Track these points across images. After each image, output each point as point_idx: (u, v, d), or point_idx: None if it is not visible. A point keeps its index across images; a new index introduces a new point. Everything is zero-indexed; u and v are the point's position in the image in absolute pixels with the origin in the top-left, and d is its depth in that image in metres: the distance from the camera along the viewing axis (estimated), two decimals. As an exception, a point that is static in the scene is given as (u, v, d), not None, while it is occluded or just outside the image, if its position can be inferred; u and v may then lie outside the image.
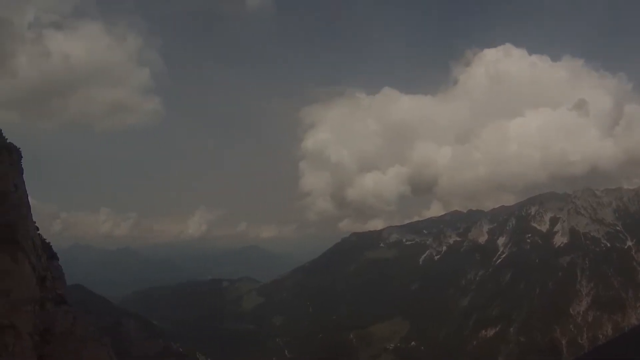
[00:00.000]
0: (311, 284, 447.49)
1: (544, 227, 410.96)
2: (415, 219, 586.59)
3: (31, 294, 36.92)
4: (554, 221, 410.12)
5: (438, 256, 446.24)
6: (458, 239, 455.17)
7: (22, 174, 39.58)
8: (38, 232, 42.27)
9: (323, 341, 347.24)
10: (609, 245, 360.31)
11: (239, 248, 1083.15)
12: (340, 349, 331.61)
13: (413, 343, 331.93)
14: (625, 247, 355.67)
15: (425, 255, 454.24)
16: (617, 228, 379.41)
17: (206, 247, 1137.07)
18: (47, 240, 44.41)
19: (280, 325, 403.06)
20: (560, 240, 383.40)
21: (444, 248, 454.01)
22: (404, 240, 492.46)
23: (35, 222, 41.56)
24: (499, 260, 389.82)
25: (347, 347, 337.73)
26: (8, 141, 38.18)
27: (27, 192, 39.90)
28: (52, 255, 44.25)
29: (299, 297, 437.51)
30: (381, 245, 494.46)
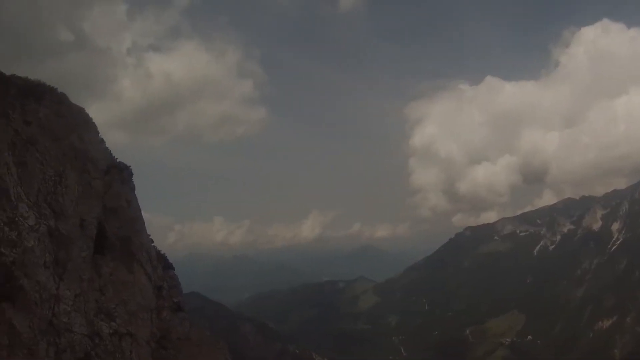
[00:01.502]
0: (426, 281, 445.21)
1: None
2: (528, 208, 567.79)
3: (147, 303, 40.20)
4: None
5: (552, 246, 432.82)
6: (572, 227, 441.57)
7: (134, 190, 43.14)
8: (153, 244, 45.83)
9: (439, 338, 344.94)
10: None
11: (354, 249, 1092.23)
12: (456, 345, 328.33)
13: (529, 337, 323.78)
14: None
15: (539, 245, 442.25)
16: None
17: (321, 249, 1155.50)
18: (162, 252, 48.01)
19: (396, 324, 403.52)
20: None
21: (558, 237, 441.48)
22: (518, 232, 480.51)
23: (150, 235, 45.10)
24: (614, 247, 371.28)
25: (462, 343, 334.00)
26: (118, 160, 41.89)
27: (140, 206, 43.55)
28: (168, 266, 47.80)
29: (414, 294, 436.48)
30: (495, 238, 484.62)
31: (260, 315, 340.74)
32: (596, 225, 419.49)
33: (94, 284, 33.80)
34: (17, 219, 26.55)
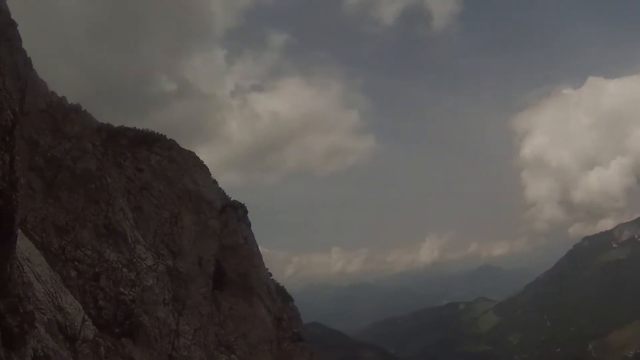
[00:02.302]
0: (547, 297, 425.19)
1: None
2: None
3: (267, 335, 41.24)
4: None
5: None
6: None
7: (250, 226, 44.75)
8: (271, 277, 47.19)
9: (561, 354, 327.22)
10: None
11: (472, 269, 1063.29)
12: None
13: None
14: None
15: None
16: None
17: (440, 272, 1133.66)
18: (281, 285, 49.38)
19: (517, 344, 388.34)
20: None
21: None
22: (636, 237, 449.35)
23: (268, 269, 46.55)
24: None
25: (586, 359, 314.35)
26: (232, 199, 43.71)
27: (257, 242, 45.00)
28: (287, 298, 49.05)
29: (535, 312, 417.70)
30: (614, 245, 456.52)
31: (381, 342, 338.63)
32: None
33: (213, 318, 35.16)
34: (134, 260, 28.27)
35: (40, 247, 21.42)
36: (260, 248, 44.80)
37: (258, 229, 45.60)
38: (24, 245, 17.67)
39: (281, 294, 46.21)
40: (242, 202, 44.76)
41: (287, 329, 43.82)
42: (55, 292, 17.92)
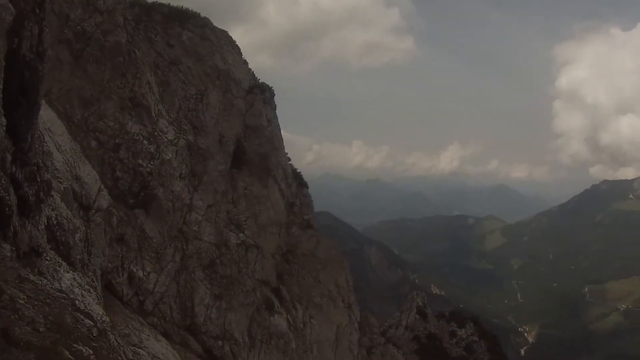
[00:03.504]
0: (555, 230, 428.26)
1: None
2: None
3: (278, 218, 42.19)
4: None
5: None
6: None
7: (275, 110, 44.61)
8: (290, 162, 47.60)
9: (557, 290, 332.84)
10: None
11: (488, 186, 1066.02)
12: (572, 301, 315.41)
13: None
14: None
15: None
16: None
17: (456, 183, 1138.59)
18: (298, 170, 49.80)
19: (518, 269, 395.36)
20: None
21: None
22: None
23: (287, 154, 46.83)
24: None
25: (579, 301, 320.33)
26: (261, 81, 43.25)
27: (280, 126, 45.02)
28: (303, 184, 49.56)
29: (541, 241, 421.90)
30: (630, 196, 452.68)
31: (388, 241, 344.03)
32: None
33: (227, 196, 35.95)
34: (156, 133, 28.61)
35: (63, 118, 21.65)
36: (282, 132, 44.89)
37: (283, 114, 45.51)
38: (46, 115, 17.88)
39: (297, 180, 46.70)
40: (270, 85, 44.41)
41: (298, 215, 44.74)
42: (74, 162, 18.34)
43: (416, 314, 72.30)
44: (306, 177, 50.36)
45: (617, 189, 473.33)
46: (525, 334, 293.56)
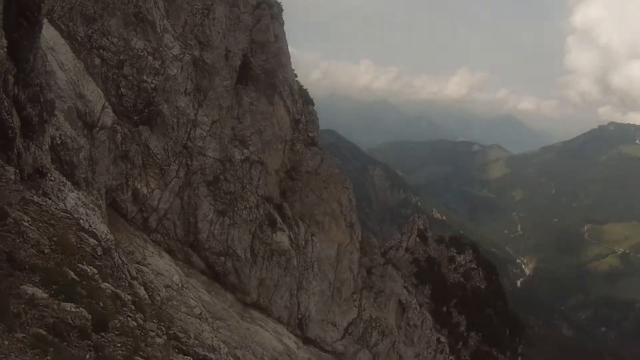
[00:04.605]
0: (559, 166, 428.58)
1: None
2: None
3: (283, 135, 41.95)
4: None
5: None
6: None
7: (283, 25, 43.45)
8: (296, 78, 46.83)
9: (556, 226, 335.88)
10: None
11: (495, 115, 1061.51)
12: (571, 238, 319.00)
13: None
14: None
15: None
16: None
17: (463, 110, 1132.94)
18: (304, 87, 49.01)
19: (520, 200, 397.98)
20: None
21: None
22: None
23: (294, 70, 46.02)
24: None
25: (578, 239, 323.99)
26: (269, -4, 41.87)
27: (288, 42, 43.99)
28: (309, 101, 48.92)
29: (545, 176, 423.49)
30: (637, 141, 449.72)
31: (392, 162, 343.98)
32: None
33: (232, 112, 35.59)
34: (161, 49, 27.92)
35: (65, 36, 21.06)
36: (290, 48, 43.97)
37: (290, 29, 44.33)
38: (49, 34, 17.38)
39: (303, 97, 46.12)
40: (279, 0, 43.19)
41: (303, 132, 44.48)
42: (78, 80, 17.95)
43: (417, 236, 72.84)
44: (312, 95, 49.73)
45: (624, 133, 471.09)
46: (523, 266, 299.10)
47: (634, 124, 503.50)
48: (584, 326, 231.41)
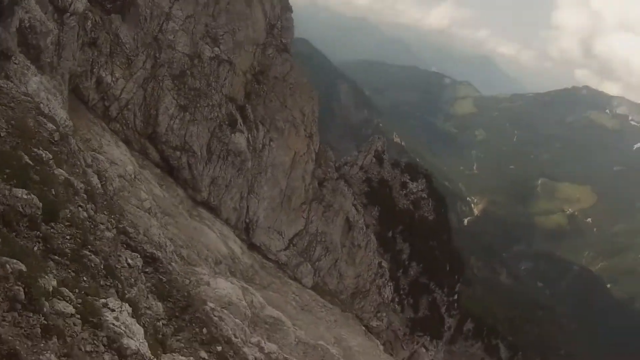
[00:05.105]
0: (526, 115, 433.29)
1: None
2: None
3: (256, 38, 41.03)
4: None
5: None
6: None
7: None
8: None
9: (512, 173, 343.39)
10: None
11: (473, 54, 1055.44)
12: (524, 189, 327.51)
13: (589, 220, 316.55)
14: None
15: None
16: None
17: (442, 42, 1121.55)
18: (285, 0, 47.61)
19: (481, 140, 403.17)
20: None
21: None
22: (630, 118, 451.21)
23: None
24: None
25: (530, 190, 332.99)
26: None
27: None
28: (287, 7, 47.62)
29: (510, 122, 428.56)
30: (607, 111, 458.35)
31: (361, 80, 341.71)
32: None
33: (208, 9, 34.47)
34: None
35: None
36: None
37: None
38: None
39: (282, 2, 44.93)
40: None
41: (277, 37, 43.57)
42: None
43: (373, 157, 72.97)
44: (291, 1, 48.48)
45: (595, 99, 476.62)
46: (473, 206, 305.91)
47: (608, 94, 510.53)
48: (522, 277, 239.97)
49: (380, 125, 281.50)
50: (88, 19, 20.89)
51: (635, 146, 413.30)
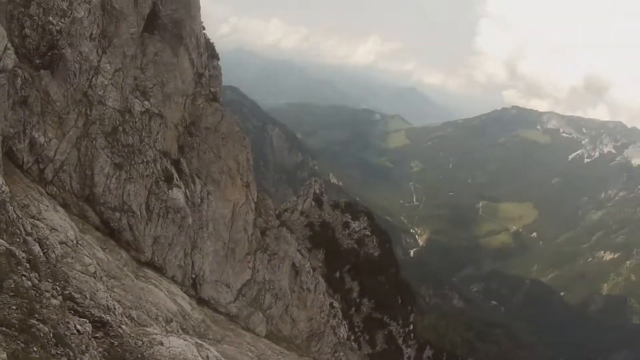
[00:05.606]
0: (458, 142, 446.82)
1: None
2: (579, 114, 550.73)
3: (185, 88, 40.77)
4: None
5: (588, 160, 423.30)
6: (613, 150, 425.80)
7: (194, -25, 41.94)
8: (204, 31, 45.50)
9: (452, 200, 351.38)
10: None
11: (400, 86, 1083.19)
12: (466, 212, 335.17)
13: (534, 234, 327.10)
14: None
15: (576, 153, 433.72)
16: None
17: (369, 78, 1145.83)
18: (211, 41, 47.71)
19: (418, 172, 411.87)
20: None
21: (597, 154, 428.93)
22: (561, 131, 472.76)
23: (202, 22, 44.65)
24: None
25: (472, 214, 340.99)
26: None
27: (200, -6, 42.52)
28: (214, 55, 47.67)
29: (443, 150, 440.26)
30: (537, 127, 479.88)
31: (292, 123, 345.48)
32: (636, 160, 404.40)
33: (136, 61, 34.09)
34: (70, -11, 26.28)
35: None
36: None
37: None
38: None
39: (209, 50, 44.96)
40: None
41: (206, 86, 43.43)
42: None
43: (312, 200, 73.54)
44: (218, 50, 48.67)
45: (525, 117, 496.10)
46: (417, 237, 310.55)
47: (537, 110, 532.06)
48: (474, 299, 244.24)
49: (316, 167, 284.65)
50: (18, 76, 20.26)
51: (570, 157, 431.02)
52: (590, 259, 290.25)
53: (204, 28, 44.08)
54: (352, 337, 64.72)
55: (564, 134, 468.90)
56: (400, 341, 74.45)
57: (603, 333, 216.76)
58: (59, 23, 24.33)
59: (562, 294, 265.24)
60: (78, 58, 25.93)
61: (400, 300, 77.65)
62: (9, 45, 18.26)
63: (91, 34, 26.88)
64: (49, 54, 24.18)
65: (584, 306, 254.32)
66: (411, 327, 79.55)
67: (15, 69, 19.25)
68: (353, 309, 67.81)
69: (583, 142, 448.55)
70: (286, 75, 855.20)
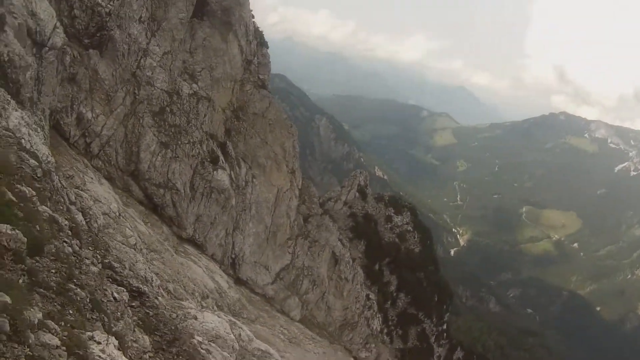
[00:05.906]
0: (505, 145, 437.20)
1: None
2: (627, 124, 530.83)
3: (234, 74, 41.32)
4: None
5: (635, 173, 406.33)
6: None
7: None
8: (253, 19, 45.94)
9: (495, 202, 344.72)
10: None
11: (448, 84, 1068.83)
12: (509, 217, 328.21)
13: (575, 245, 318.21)
14: None
15: (623, 165, 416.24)
16: None
17: (417, 73, 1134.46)
18: (260, 29, 48.16)
19: (462, 171, 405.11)
20: None
21: None
22: (609, 141, 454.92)
23: (252, 10, 45.10)
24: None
25: (515, 218, 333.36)
26: None
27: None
28: (263, 43, 48.14)
29: (490, 151, 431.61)
30: (585, 135, 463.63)
31: (339, 114, 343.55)
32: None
33: (185, 45, 34.77)
34: (119, -26, 26.95)
35: None
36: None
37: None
38: None
39: (258, 38, 45.33)
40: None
41: (254, 73, 43.88)
42: (30, -4, 17.12)
43: (357, 191, 73.15)
44: (267, 38, 48.99)
45: (574, 124, 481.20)
46: (458, 236, 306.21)
47: (585, 118, 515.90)
48: (511, 304, 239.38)
49: (361, 159, 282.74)
50: (66, 54, 20.94)
51: (617, 168, 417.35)
52: (629, 275, 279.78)
53: (253, 16, 44.50)
54: (385, 331, 64.52)
55: (611, 144, 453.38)
56: (432, 339, 73.81)
57: (637, 353, 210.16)
58: (108, 5, 25.04)
59: (598, 308, 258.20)
60: (127, 39, 26.61)
61: (436, 299, 76.81)
62: (58, 24, 18.87)
63: (140, 17, 27.53)
64: (97, 35, 24.88)
65: (619, 323, 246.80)
66: (445, 326, 78.71)
67: (64, 47, 19.89)
68: (389, 302, 67.46)
69: (630, 154, 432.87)
70: (334, 67, 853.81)
